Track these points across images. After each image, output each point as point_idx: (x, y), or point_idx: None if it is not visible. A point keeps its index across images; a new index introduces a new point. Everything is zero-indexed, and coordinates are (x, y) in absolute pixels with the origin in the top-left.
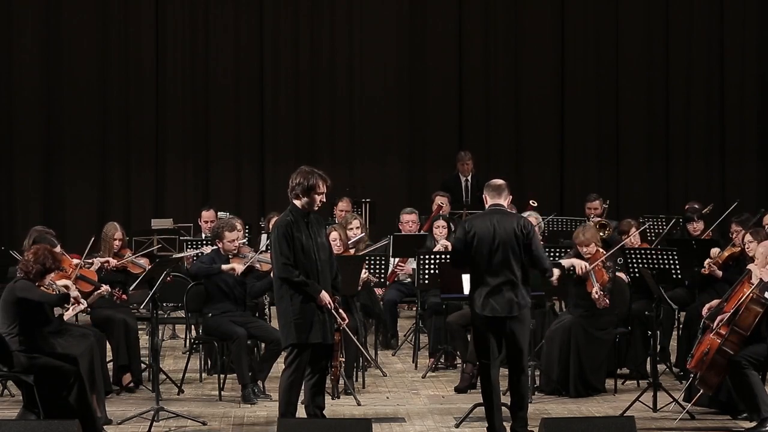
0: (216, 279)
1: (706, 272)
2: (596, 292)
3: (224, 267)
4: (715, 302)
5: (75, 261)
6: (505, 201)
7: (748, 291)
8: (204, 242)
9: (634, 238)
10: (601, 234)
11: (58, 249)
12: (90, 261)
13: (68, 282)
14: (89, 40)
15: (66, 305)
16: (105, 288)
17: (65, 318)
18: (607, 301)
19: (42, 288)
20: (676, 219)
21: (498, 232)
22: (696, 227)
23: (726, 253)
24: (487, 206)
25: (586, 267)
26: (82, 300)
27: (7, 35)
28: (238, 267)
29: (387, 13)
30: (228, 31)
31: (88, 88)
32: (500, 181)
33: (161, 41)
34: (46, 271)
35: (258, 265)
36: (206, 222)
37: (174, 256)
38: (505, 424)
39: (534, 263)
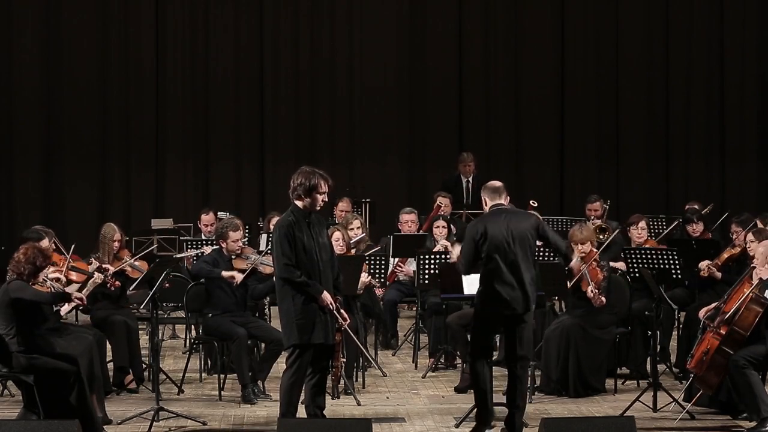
0: (217, 280)
1: (705, 275)
2: (591, 291)
3: (224, 274)
4: (712, 306)
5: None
6: (504, 201)
7: (748, 291)
8: (204, 242)
9: (642, 232)
10: (600, 237)
11: (46, 242)
12: (88, 264)
13: (60, 275)
14: (89, 40)
15: (61, 304)
16: (98, 275)
17: (62, 313)
18: (603, 299)
19: (37, 286)
20: (678, 221)
21: (512, 230)
22: (696, 228)
23: (725, 255)
24: (488, 208)
25: (580, 267)
26: (78, 296)
27: (7, 35)
28: (238, 276)
29: (387, 13)
30: (228, 31)
31: (88, 88)
32: (498, 183)
33: (161, 41)
34: (38, 269)
35: (260, 268)
36: (206, 225)
37: (175, 255)
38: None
39: (557, 251)
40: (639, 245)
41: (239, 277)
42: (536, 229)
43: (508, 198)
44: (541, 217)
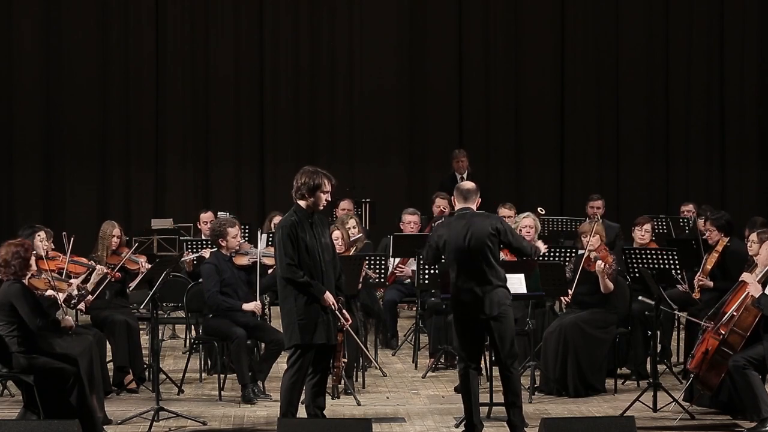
0: (222, 280)
1: (698, 296)
2: (600, 266)
3: (245, 307)
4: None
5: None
6: (473, 205)
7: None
8: (204, 243)
9: (645, 234)
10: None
11: (42, 234)
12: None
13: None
14: (89, 40)
15: (61, 307)
16: (100, 267)
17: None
18: (611, 284)
19: (34, 280)
20: (666, 218)
21: (470, 234)
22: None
23: (708, 266)
24: (456, 209)
25: (590, 255)
26: (69, 322)
27: (7, 35)
28: (257, 306)
29: (387, 12)
30: (228, 31)
31: (88, 88)
32: (469, 185)
33: (161, 41)
34: (26, 260)
35: (263, 261)
36: (205, 223)
37: (183, 258)
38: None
39: (520, 255)
40: (640, 246)
41: (258, 306)
42: (495, 230)
43: (479, 200)
44: (537, 220)
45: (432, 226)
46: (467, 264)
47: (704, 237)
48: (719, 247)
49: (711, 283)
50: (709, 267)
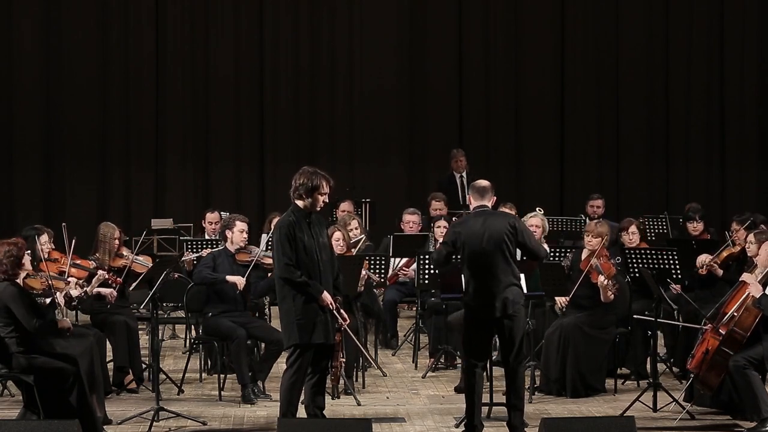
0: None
1: (704, 272)
2: (603, 281)
3: (229, 278)
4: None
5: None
6: (489, 202)
7: (748, 292)
8: (205, 242)
9: (633, 237)
10: None
11: (45, 237)
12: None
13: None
14: (89, 40)
15: (57, 307)
16: (101, 273)
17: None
18: (612, 295)
19: (29, 279)
20: (665, 218)
21: (488, 233)
22: (696, 227)
23: (725, 253)
24: (472, 208)
25: (590, 260)
26: (66, 324)
27: (7, 35)
28: (241, 281)
29: (387, 12)
30: (228, 31)
31: (88, 89)
32: (485, 183)
33: (161, 41)
34: (19, 259)
35: (263, 260)
36: (210, 223)
37: (183, 258)
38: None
39: (532, 256)
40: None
41: (241, 281)
42: (513, 227)
43: (494, 198)
44: (545, 220)
45: (432, 226)
46: (484, 263)
47: (695, 237)
48: (743, 243)
49: (720, 271)
50: (725, 254)
